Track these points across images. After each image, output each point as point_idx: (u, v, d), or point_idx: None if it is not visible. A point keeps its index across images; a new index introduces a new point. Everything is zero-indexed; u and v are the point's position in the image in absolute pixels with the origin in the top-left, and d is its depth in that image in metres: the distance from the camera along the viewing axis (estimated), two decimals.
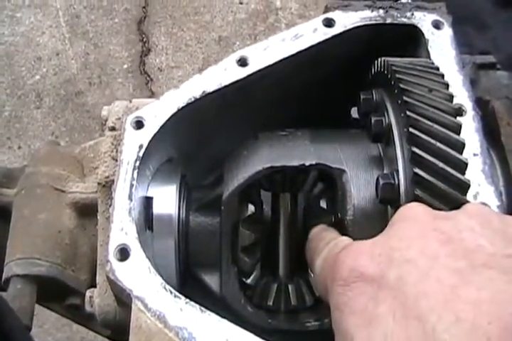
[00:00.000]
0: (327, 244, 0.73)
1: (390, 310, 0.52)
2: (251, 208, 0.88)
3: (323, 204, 0.87)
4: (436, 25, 0.93)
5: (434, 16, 0.94)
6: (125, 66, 3.27)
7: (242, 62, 0.92)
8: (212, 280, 0.89)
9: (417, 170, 0.71)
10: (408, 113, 0.73)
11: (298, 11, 3.34)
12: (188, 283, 0.90)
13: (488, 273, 0.51)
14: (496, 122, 0.92)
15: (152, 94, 3.15)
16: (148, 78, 3.24)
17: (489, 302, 0.48)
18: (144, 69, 3.26)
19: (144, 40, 3.34)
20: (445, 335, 0.48)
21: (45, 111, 3.16)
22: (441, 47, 0.91)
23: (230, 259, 0.87)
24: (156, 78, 3.24)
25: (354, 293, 0.56)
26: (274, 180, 0.88)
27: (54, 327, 2.58)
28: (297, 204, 0.89)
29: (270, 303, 0.88)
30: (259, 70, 0.91)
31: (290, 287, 0.88)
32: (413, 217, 0.61)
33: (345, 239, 0.72)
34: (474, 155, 0.82)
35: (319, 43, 0.93)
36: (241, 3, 3.38)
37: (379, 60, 0.86)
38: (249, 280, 0.89)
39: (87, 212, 1.03)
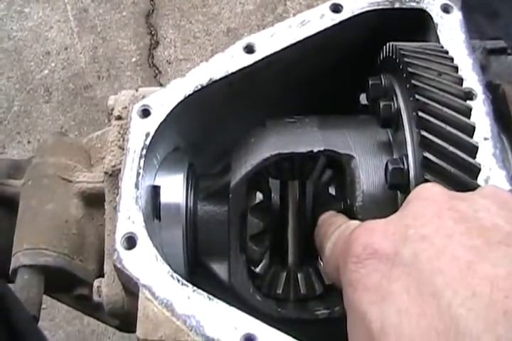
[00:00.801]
0: (337, 227, 0.72)
1: (403, 287, 0.52)
2: (259, 196, 0.87)
3: (332, 191, 0.87)
4: (445, 9, 0.92)
5: (443, 0, 0.93)
6: (134, 59, 3.26)
7: (249, 49, 0.91)
8: (220, 269, 0.88)
9: (426, 154, 0.70)
10: (417, 97, 0.72)
11: (306, 1, 3.32)
12: (196, 272, 0.89)
13: (504, 250, 0.51)
14: (506, 106, 0.91)
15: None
16: (156, 71, 3.23)
17: (505, 278, 0.48)
18: (152, 62, 3.25)
19: (153, 32, 3.33)
20: (461, 310, 0.47)
21: (54, 106, 3.16)
22: (451, 31, 0.90)
23: (238, 248, 0.87)
24: (165, 71, 3.23)
25: (367, 270, 0.55)
26: (282, 167, 0.87)
27: (64, 320, 2.58)
28: (306, 191, 0.89)
29: (279, 292, 0.87)
30: (266, 57, 0.90)
31: (299, 275, 0.87)
32: (428, 196, 0.60)
33: (356, 222, 0.71)
34: (485, 139, 0.81)
35: (326, 29, 0.92)
36: None
37: (387, 44, 0.85)
38: (258, 269, 0.89)
39: (94, 201, 1.02)
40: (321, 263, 0.79)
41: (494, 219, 0.55)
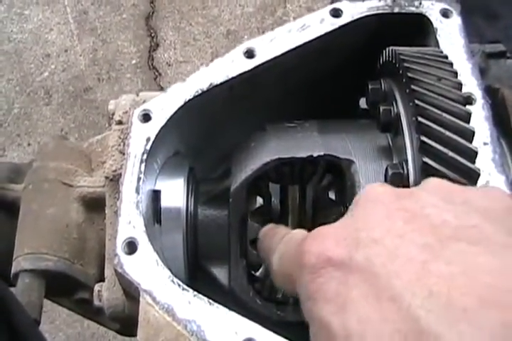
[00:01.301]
0: (281, 239, 0.70)
1: (362, 294, 0.51)
2: (259, 200, 0.87)
3: (332, 195, 0.87)
4: (445, 13, 0.92)
5: (443, 5, 0.93)
6: (133, 61, 3.27)
7: (249, 54, 0.91)
8: (221, 273, 0.89)
9: (426, 159, 0.70)
10: (417, 102, 0.73)
11: (306, 3, 3.33)
12: (197, 277, 0.89)
13: (456, 245, 0.50)
14: (506, 111, 0.91)
15: (161, 89, 3.15)
16: (156, 73, 3.24)
17: (461, 275, 0.48)
18: (152, 65, 3.26)
19: (152, 35, 3.33)
20: (421, 311, 0.47)
21: (54, 108, 3.17)
22: (450, 35, 0.90)
23: (238, 252, 0.87)
24: (165, 73, 3.23)
25: (325, 279, 0.54)
26: (282, 172, 0.87)
27: (65, 323, 2.58)
28: (306, 196, 0.89)
29: (279, 296, 0.88)
30: (267, 62, 0.91)
31: None
32: (376, 197, 0.59)
33: (299, 231, 0.69)
34: (484, 144, 0.81)
35: (326, 34, 0.92)
36: None
37: (387, 49, 0.86)
38: (258, 273, 0.89)
39: (95, 206, 1.03)
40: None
41: (442, 215, 0.54)
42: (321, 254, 0.56)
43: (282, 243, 0.69)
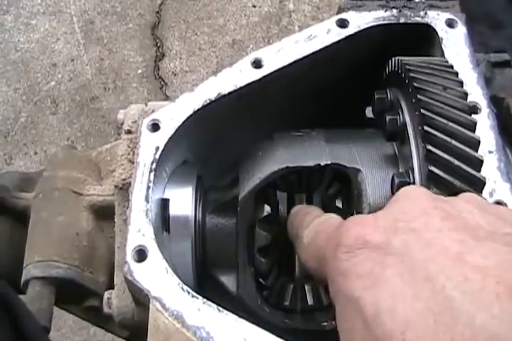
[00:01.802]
0: (316, 217, 0.73)
1: (397, 273, 0.52)
2: (267, 209, 0.88)
3: (338, 203, 0.88)
4: (450, 23, 0.93)
5: (448, 15, 0.94)
6: (139, 71, 3.29)
7: (257, 64, 0.92)
8: (229, 281, 0.89)
9: (432, 168, 0.71)
10: (423, 111, 0.73)
11: (311, 13, 3.34)
12: (205, 284, 0.90)
13: (491, 244, 0.52)
14: (510, 119, 0.92)
15: (167, 99, 3.17)
16: (162, 82, 3.25)
17: (495, 268, 0.49)
18: (158, 74, 3.28)
19: (158, 44, 3.35)
20: (455, 292, 0.48)
21: (60, 117, 3.18)
22: (456, 45, 0.91)
23: (246, 260, 0.87)
24: (171, 82, 3.25)
25: (359, 259, 0.56)
26: (289, 180, 0.88)
27: (71, 331, 2.59)
28: (313, 204, 0.89)
29: (287, 303, 0.88)
30: (274, 71, 0.92)
31: (306, 287, 0.88)
32: (415, 196, 0.62)
33: (335, 215, 0.72)
34: (490, 152, 0.82)
35: (333, 44, 0.93)
36: (254, 6, 3.39)
37: (393, 59, 0.86)
38: (265, 281, 0.90)
39: (104, 214, 1.03)
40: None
41: (477, 220, 0.56)
42: (359, 236, 0.57)
43: (318, 221, 0.71)
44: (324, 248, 0.63)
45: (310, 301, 0.88)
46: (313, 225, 0.72)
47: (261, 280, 0.89)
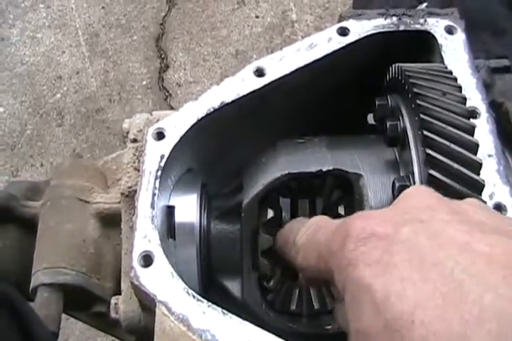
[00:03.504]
0: (304, 222, 0.73)
1: (405, 259, 0.54)
2: (270, 212, 0.89)
3: (341, 210, 0.88)
4: (449, 30, 0.94)
5: (447, 22, 0.95)
6: (144, 82, 3.31)
7: (259, 73, 0.93)
8: (233, 286, 0.90)
9: (432, 172, 0.72)
10: (422, 116, 0.75)
11: (314, 23, 3.36)
12: (210, 289, 0.91)
13: (496, 236, 0.54)
14: (509, 124, 0.93)
15: (171, 110, 3.18)
16: (167, 94, 3.27)
17: (501, 255, 0.51)
18: (162, 85, 3.30)
19: (162, 56, 3.38)
20: (463, 275, 0.50)
21: (66, 129, 3.20)
22: (455, 51, 0.92)
23: (250, 265, 0.88)
24: (175, 93, 3.27)
25: (367, 248, 0.57)
26: (292, 186, 0.89)
27: (78, 340, 2.60)
28: (315, 209, 0.91)
29: (292, 307, 0.89)
30: (276, 80, 0.93)
31: (311, 291, 0.89)
32: (420, 193, 0.63)
33: (325, 217, 0.73)
34: (489, 156, 0.83)
35: (334, 52, 0.94)
36: (257, 17, 3.41)
37: (393, 66, 0.88)
38: (270, 285, 0.90)
39: (110, 221, 1.05)
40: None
41: (481, 218, 0.58)
42: (367, 227, 0.58)
43: (311, 223, 0.72)
44: (327, 242, 0.64)
45: (315, 305, 0.89)
46: (306, 227, 0.72)
47: (265, 284, 0.90)
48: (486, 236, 0.53)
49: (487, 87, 0.95)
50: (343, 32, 0.96)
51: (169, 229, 0.87)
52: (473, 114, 0.86)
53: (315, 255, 0.66)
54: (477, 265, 0.50)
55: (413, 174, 0.77)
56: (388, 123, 0.83)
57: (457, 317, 0.48)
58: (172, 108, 3.20)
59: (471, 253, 0.51)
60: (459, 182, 0.71)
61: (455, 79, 0.80)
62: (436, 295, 0.50)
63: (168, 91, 3.28)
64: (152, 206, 0.84)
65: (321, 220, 0.72)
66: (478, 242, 0.52)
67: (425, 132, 0.74)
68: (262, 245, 0.88)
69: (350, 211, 0.86)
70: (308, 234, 0.71)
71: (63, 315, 1.02)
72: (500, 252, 0.51)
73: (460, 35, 0.95)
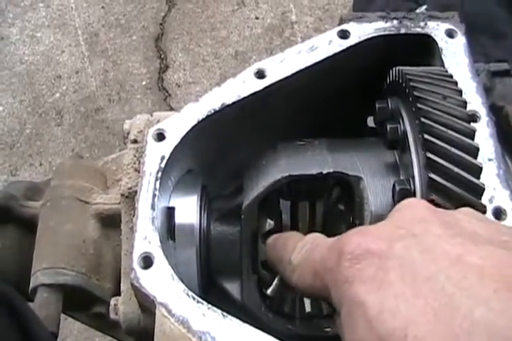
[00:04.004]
0: (299, 239, 0.73)
1: (398, 276, 0.54)
2: (270, 223, 0.89)
3: (341, 212, 0.88)
4: (450, 33, 0.94)
5: (448, 25, 0.95)
6: (144, 82, 3.31)
7: (260, 75, 0.93)
8: (233, 288, 0.90)
9: (432, 176, 0.72)
10: (423, 119, 0.75)
11: (313, 24, 3.37)
12: (210, 291, 0.91)
13: (489, 247, 0.54)
14: (509, 127, 0.93)
15: (170, 110, 3.18)
16: (166, 94, 3.27)
17: (493, 267, 0.51)
18: (162, 86, 3.30)
19: (162, 56, 3.38)
20: (454, 289, 0.50)
21: (65, 128, 3.20)
22: (455, 55, 0.93)
23: (250, 267, 0.88)
24: (174, 94, 3.27)
25: (362, 265, 0.57)
26: (292, 188, 0.89)
27: (76, 340, 2.59)
28: (316, 212, 0.91)
29: (290, 310, 0.89)
30: (277, 82, 0.93)
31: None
32: (414, 206, 0.64)
33: (319, 235, 0.73)
34: (489, 160, 0.83)
35: (335, 54, 0.94)
36: (257, 18, 3.41)
37: (394, 69, 0.88)
38: (269, 290, 0.91)
39: (110, 222, 1.05)
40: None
41: (475, 229, 0.59)
42: (361, 244, 0.59)
43: (306, 240, 0.72)
44: (323, 260, 0.64)
45: (312, 308, 0.89)
46: (301, 246, 0.71)
47: (264, 290, 0.90)
48: (479, 248, 0.54)
49: (487, 90, 0.96)
50: (344, 35, 0.96)
51: (169, 230, 0.87)
52: (474, 117, 0.86)
53: (311, 273, 0.66)
54: (468, 279, 0.50)
55: (413, 177, 0.77)
56: (388, 126, 0.83)
57: (448, 331, 0.48)
58: (171, 108, 3.20)
59: (463, 267, 0.52)
60: (459, 186, 0.71)
61: (456, 83, 0.80)
62: (428, 310, 0.50)
63: (167, 92, 3.28)
64: (152, 207, 0.84)
65: (316, 238, 0.71)
66: (471, 255, 0.53)
67: (426, 136, 0.74)
68: (262, 256, 0.88)
69: (350, 214, 0.86)
70: (304, 253, 0.70)
71: (61, 315, 1.02)
72: (492, 264, 0.51)
73: (460, 39, 0.95)
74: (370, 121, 0.94)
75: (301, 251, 0.71)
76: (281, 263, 0.75)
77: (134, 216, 0.84)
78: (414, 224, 0.59)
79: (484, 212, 0.74)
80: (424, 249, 0.55)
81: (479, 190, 0.72)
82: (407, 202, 0.66)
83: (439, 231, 0.57)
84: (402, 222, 0.61)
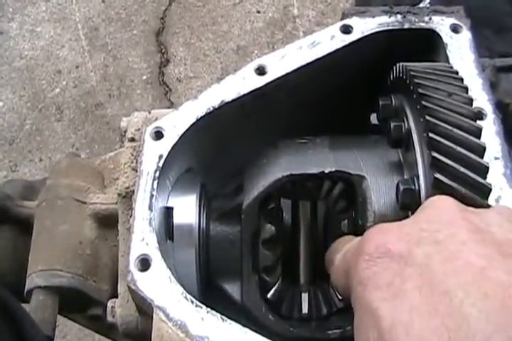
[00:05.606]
0: (348, 241, 0.72)
1: (416, 286, 0.52)
2: (271, 228, 0.87)
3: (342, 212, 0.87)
4: (455, 28, 0.93)
5: (452, 20, 0.93)
6: (144, 77, 3.29)
7: (261, 71, 0.92)
8: (233, 289, 0.89)
9: (437, 175, 0.70)
10: (427, 117, 0.73)
11: (315, 18, 3.34)
12: (209, 292, 0.89)
13: None
14: None
15: (171, 105, 3.17)
16: (167, 89, 3.25)
17: None
18: (162, 80, 3.28)
19: (163, 51, 3.36)
20: (473, 309, 0.47)
21: (65, 124, 3.19)
22: (460, 50, 0.91)
23: (250, 267, 0.87)
24: (175, 89, 3.25)
25: (379, 268, 0.56)
26: (293, 187, 0.87)
27: (76, 337, 2.59)
28: (317, 211, 0.89)
29: (292, 312, 0.87)
30: (278, 78, 0.91)
31: (310, 295, 0.87)
32: (443, 205, 0.61)
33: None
34: (495, 158, 0.81)
35: (337, 50, 0.93)
36: (258, 12, 3.39)
37: (397, 65, 0.86)
38: (270, 293, 0.89)
39: (107, 222, 1.03)
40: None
41: (507, 234, 0.55)
42: (381, 245, 0.57)
43: (348, 245, 0.70)
44: (349, 261, 0.63)
45: (314, 310, 0.87)
46: (345, 248, 0.71)
47: (266, 295, 0.89)
48: (506, 261, 0.51)
49: (492, 86, 0.94)
50: (346, 30, 0.94)
51: (167, 230, 0.86)
52: (480, 115, 0.84)
53: (343, 276, 0.65)
54: (489, 298, 0.48)
55: (418, 177, 0.75)
56: (392, 124, 0.81)
57: None
58: (172, 103, 3.19)
59: (485, 283, 0.49)
60: (465, 186, 0.69)
61: (461, 80, 0.78)
62: (442, 330, 0.48)
63: (168, 87, 3.26)
64: (150, 208, 0.82)
65: (349, 246, 0.70)
66: (495, 269, 0.50)
67: (431, 134, 0.72)
68: (262, 262, 0.86)
69: (352, 214, 0.84)
70: (341, 256, 0.70)
71: None
72: None
73: (466, 34, 0.93)
74: (373, 119, 0.92)
75: (343, 251, 0.70)
76: (328, 265, 0.75)
77: (131, 216, 0.83)
78: (439, 227, 0.57)
79: None
80: (446, 257, 0.53)
81: (486, 190, 0.70)
82: (435, 199, 0.63)
83: (465, 237, 0.55)
84: (426, 224, 0.58)
